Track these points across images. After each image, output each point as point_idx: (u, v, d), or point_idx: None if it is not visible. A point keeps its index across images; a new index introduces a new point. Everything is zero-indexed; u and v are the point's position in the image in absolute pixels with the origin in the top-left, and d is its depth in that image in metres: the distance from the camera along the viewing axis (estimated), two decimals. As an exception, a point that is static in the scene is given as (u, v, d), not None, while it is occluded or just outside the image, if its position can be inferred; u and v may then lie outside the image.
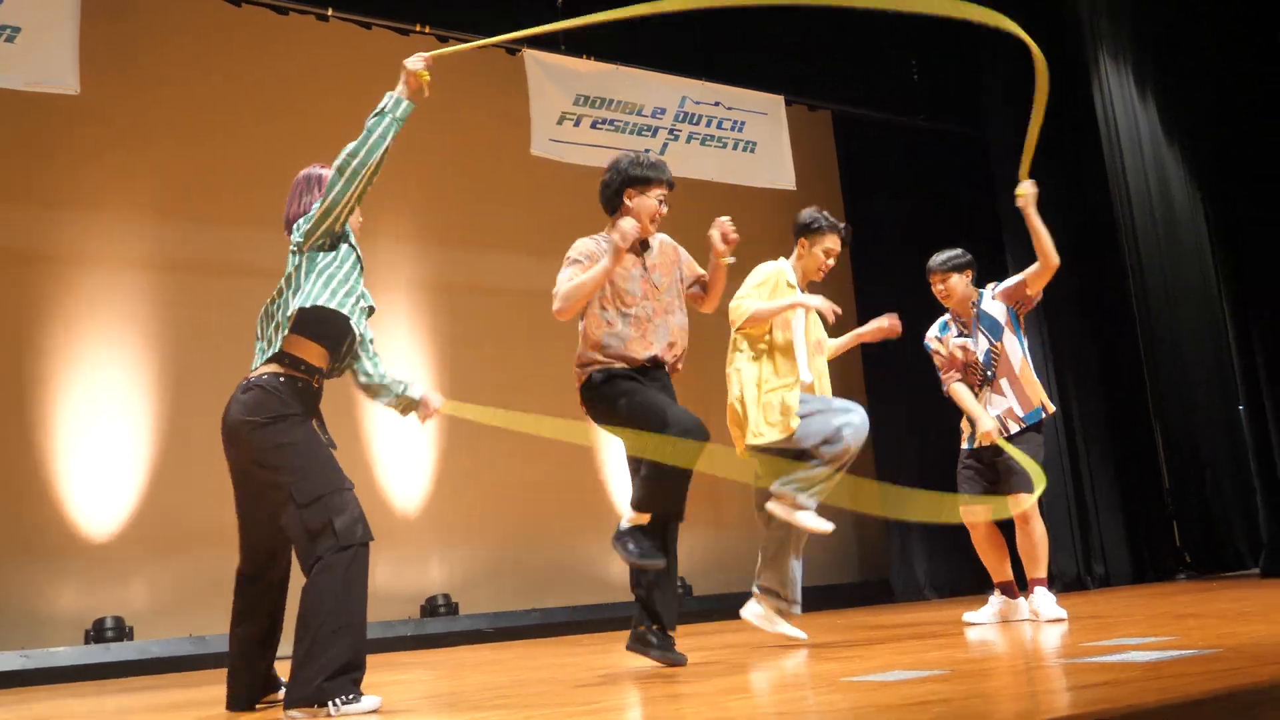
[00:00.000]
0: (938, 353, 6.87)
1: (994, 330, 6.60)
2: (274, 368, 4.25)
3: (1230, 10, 9.86)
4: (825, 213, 6.31)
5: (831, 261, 6.26)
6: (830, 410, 5.87)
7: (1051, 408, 6.61)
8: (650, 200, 5.34)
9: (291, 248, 4.33)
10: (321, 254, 4.30)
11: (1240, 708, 2.54)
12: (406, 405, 4.88)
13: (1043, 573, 6.45)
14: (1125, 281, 11.30)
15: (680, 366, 5.44)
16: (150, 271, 10.18)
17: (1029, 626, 6.05)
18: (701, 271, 5.56)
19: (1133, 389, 11.37)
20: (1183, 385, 11.01)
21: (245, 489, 4.34)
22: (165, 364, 10.04)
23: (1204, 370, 11.02)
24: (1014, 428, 6.47)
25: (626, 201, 5.36)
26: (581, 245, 5.34)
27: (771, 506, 5.90)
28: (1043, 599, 6.34)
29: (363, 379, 4.74)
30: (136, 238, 10.17)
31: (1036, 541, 6.44)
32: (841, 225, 6.31)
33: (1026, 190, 6.55)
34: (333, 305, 4.24)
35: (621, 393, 5.15)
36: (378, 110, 4.35)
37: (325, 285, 4.25)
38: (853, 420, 5.81)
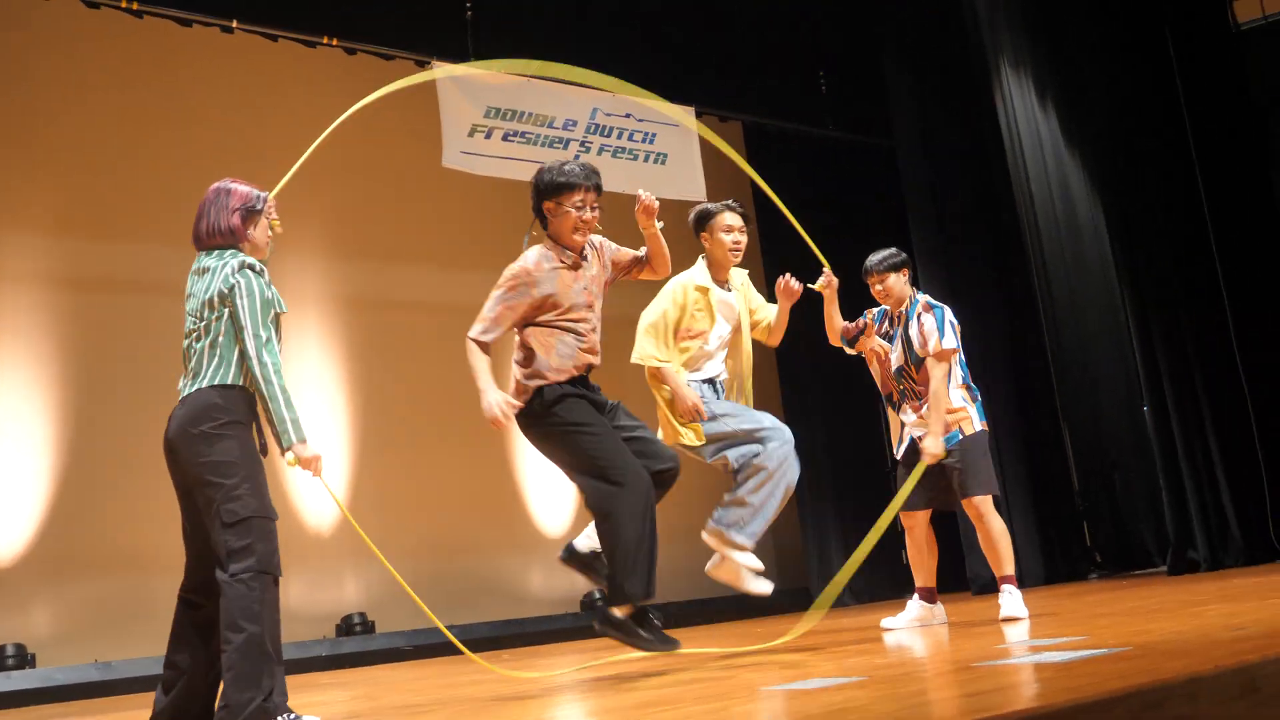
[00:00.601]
0: (862, 323, 6.84)
1: (914, 354, 6.57)
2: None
3: (1123, 22, 10.06)
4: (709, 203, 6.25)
5: (738, 238, 6.09)
6: (748, 427, 5.75)
7: (973, 430, 6.53)
8: (567, 209, 5.11)
9: (213, 288, 4.22)
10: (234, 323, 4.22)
11: (1149, 704, 2.58)
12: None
13: (1008, 569, 6.32)
14: (1032, 286, 11.48)
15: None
16: (51, 288, 9.97)
17: (945, 631, 6.10)
18: (633, 252, 5.45)
19: (1041, 392, 11.55)
20: (1089, 387, 11.20)
21: (189, 509, 4.25)
22: (67, 383, 9.84)
23: (1109, 372, 11.21)
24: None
25: (546, 215, 5.18)
26: (512, 270, 5.15)
27: (706, 538, 5.75)
28: (1008, 598, 6.22)
29: None
30: (35, 253, 9.96)
31: (997, 540, 6.36)
32: (729, 201, 6.22)
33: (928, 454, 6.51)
34: (244, 385, 4.21)
35: (576, 426, 4.99)
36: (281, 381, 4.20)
37: (239, 361, 4.19)
38: (771, 446, 5.68)
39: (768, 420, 5.80)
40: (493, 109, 10.08)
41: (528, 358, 5.12)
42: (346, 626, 10.34)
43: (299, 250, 10.72)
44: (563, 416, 5.02)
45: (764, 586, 5.74)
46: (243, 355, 4.17)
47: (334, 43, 10.04)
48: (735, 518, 5.68)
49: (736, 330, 6.15)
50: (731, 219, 6.13)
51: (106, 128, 10.34)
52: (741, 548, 5.67)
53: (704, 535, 5.76)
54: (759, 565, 5.73)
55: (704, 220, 6.16)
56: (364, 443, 11.06)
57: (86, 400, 9.84)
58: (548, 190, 5.16)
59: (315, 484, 9.71)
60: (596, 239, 5.38)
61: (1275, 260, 9.73)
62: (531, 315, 5.10)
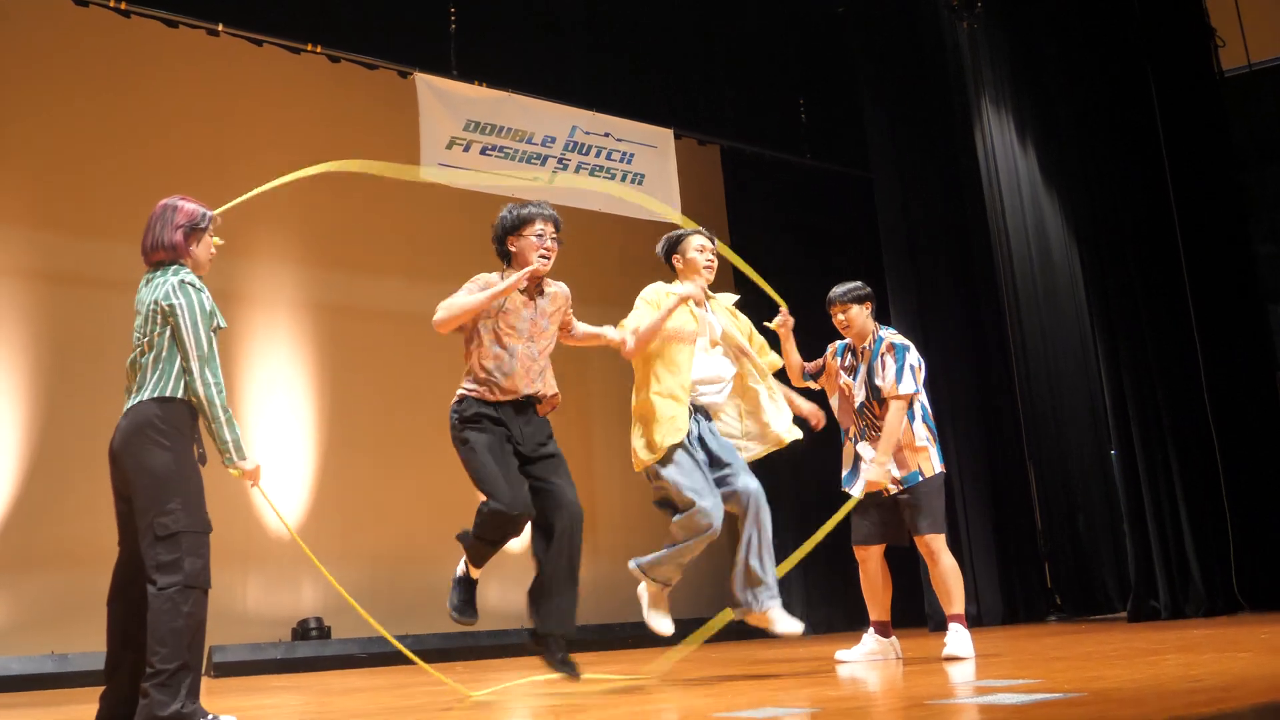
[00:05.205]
0: (825, 360, 6.85)
1: (876, 392, 6.56)
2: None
3: (1106, 64, 10.08)
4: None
5: (710, 258, 6.17)
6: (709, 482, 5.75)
7: (932, 472, 6.51)
8: (529, 239, 5.47)
9: (154, 305, 4.34)
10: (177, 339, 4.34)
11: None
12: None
13: (958, 608, 6.35)
14: (1002, 323, 11.50)
15: (552, 407, 5.60)
16: (21, 282, 9.95)
17: (899, 666, 6.09)
18: (571, 319, 5.75)
19: (1008, 430, 11.54)
20: (1056, 428, 11.20)
21: (123, 514, 4.37)
22: (35, 377, 9.81)
23: (1077, 414, 11.23)
24: (892, 489, 6.47)
25: (511, 249, 5.54)
26: (482, 276, 5.45)
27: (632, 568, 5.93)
28: (954, 636, 6.23)
29: None
30: (6, 248, 9.93)
31: (947, 577, 6.37)
32: (696, 227, 6.31)
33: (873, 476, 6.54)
34: (186, 398, 4.30)
35: (469, 442, 5.32)
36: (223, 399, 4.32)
37: (180, 376, 4.30)
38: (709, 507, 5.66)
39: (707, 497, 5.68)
40: (472, 122, 10.07)
41: (466, 368, 5.46)
42: (302, 630, 10.30)
43: (272, 255, 10.70)
44: (463, 434, 5.36)
45: (665, 627, 5.90)
46: (185, 371, 4.28)
47: (318, 50, 10.03)
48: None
49: (736, 358, 6.17)
50: (702, 240, 6.20)
51: (87, 124, 10.32)
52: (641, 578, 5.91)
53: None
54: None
55: (675, 244, 6.22)
56: (328, 448, 11.03)
57: (52, 394, 9.80)
58: (511, 226, 5.55)
59: (278, 487, 9.73)
60: (566, 292, 5.70)
61: (1249, 309, 9.73)
62: (480, 315, 5.40)
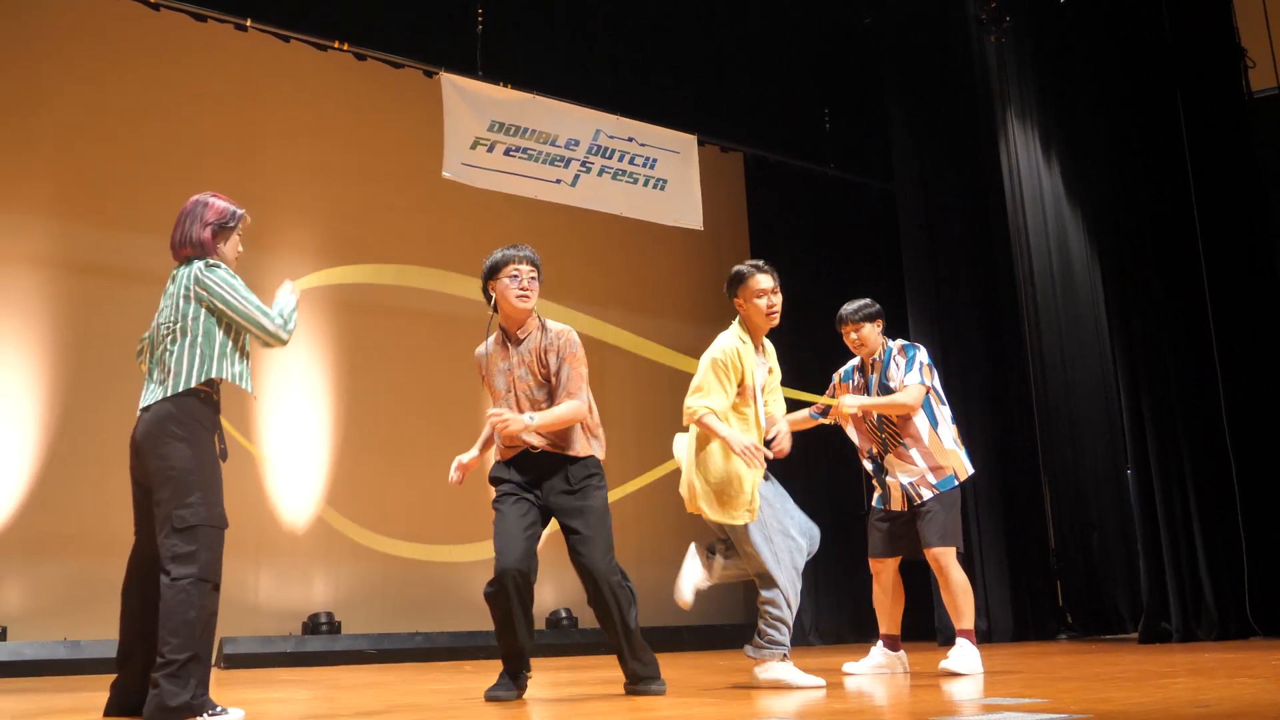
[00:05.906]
0: (833, 388, 6.86)
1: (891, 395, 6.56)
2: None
3: (1134, 82, 10.02)
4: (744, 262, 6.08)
5: (773, 300, 5.87)
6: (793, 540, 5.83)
7: (966, 474, 6.53)
8: (504, 282, 5.51)
9: (185, 291, 4.45)
10: (217, 317, 4.46)
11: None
12: None
13: (967, 624, 6.34)
14: (1021, 339, 11.46)
15: (567, 447, 5.46)
16: (44, 271, 10.00)
17: (906, 680, 6.08)
18: (563, 380, 5.49)
19: (1023, 446, 11.50)
20: (1073, 445, 11.16)
21: (141, 503, 4.46)
22: (58, 365, 9.87)
23: (1094, 432, 11.17)
24: (927, 494, 6.44)
25: (494, 296, 5.57)
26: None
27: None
28: (959, 651, 6.23)
29: None
30: (30, 236, 9.99)
31: (956, 592, 6.35)
32: (760, 262, 6.01)
33: (845, 407, 6.52)
34: (228, 377, 4.43)
35: (495, 506, 5.43)
36: (279, 313, 4.52)
37: (222, 356, 4.42)
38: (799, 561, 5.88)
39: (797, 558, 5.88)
40: (496, 123, 10.09)
41: None
42: (313, 625, 10.33)
43: (293, 249, 10.72)
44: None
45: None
46: (236, 346, 4.43)
47: (345, 47, 10.06)
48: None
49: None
50: (764, 281, 5.91)
51: (113, 115, 10.39)
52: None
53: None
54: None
55: (735, 284, 5.97)
56: (344, 444, 11.05)
57: (74, 383, 9.86)
58: (488, 273, 5.59)
59: (292, 482, 9.63)
60: (556, 333, 5.58)
61: (1272, 331, 9.63)
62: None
